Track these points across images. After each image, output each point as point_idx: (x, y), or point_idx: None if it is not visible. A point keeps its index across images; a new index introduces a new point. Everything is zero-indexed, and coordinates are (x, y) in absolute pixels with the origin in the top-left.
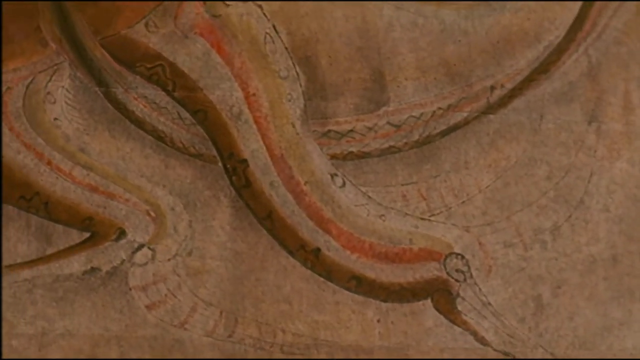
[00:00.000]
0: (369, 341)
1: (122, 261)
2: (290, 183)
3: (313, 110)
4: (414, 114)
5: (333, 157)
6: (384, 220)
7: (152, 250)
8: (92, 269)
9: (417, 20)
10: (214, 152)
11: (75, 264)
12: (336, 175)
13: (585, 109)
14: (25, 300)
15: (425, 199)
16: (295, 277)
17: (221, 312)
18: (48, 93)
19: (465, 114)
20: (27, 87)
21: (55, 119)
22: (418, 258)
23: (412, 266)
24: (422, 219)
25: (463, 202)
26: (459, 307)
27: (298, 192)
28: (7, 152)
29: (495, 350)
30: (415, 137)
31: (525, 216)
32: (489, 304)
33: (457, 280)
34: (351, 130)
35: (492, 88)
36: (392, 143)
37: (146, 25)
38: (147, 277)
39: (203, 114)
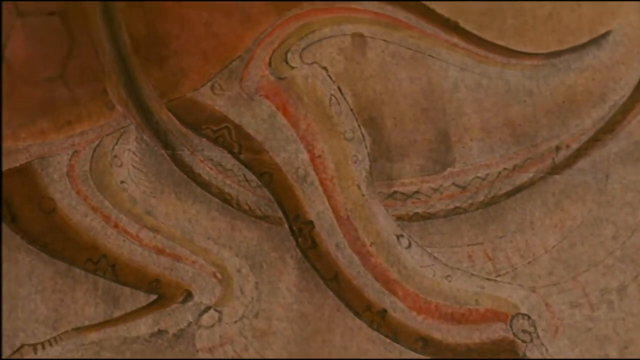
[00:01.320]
0: None
1: (189, 323)
2: (356, 244)
3: (379, 172)
4: (479, 174)
5: (399, 218)
6: (450, 281)
7: (219, 312)
8: (159, 331)
9: (482, 81)
10: (280, 214)
11: (143, 327)
12: (402, 236)
13: None
14: None
15: (491, 260)
16: (362, 339)
17: None
18: (115, 156)
19: (530, 175)
20: (94, 150)
21: (122, 181)
22: (484, 319)
23: (479, 327)
24: (488, 279)
25: (529, 262)
26: None
27: (364, 254)
28: (75, 215)
29: None
30: (481, 197)
31: (592, 276)
32: None
33: (523, 341)
34: (417, 192)
35: (558, 148)
36: (457, 204)
37: (212, 87)
38: (214, 339)
39: (269, 176)
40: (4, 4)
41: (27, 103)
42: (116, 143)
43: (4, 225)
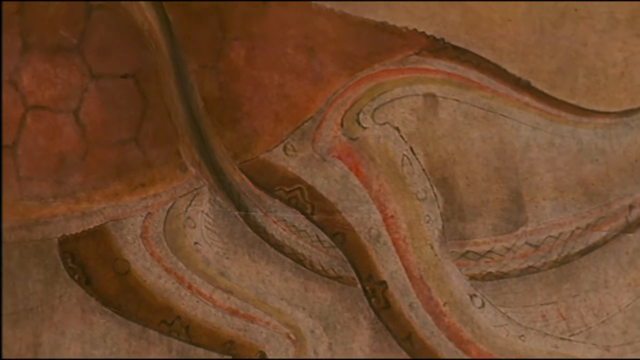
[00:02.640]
0: None
1: None
2: (429, 304)
3: (451, 232)
4: (552, 233)
5: (472, 277)
6: (523, 341)
7: None
8: None
9: (554, 140)
10: (353, 274)
11: None
12: (475, 296)
13: None
14: None
15: (564, 319)
16: None
17: None
18: (188, 217)
19: (604, 233)
20: (168, 212)
21: (196, 243)
22: None
23: None
24: (562, 338)
25: (603, 321)
26: None
27: (437, 313)
28: (149, 277)
29: None
30: (554, 256)
31: None
32: None
33: None
34: (490, 251)
35: (631, 207)
36: (530, 263)
37: (284, 149)
38: None
39: (342, 237)
40: (79, 65)
41: (100, 165)
42: (189, 205)
43: (79, 287)
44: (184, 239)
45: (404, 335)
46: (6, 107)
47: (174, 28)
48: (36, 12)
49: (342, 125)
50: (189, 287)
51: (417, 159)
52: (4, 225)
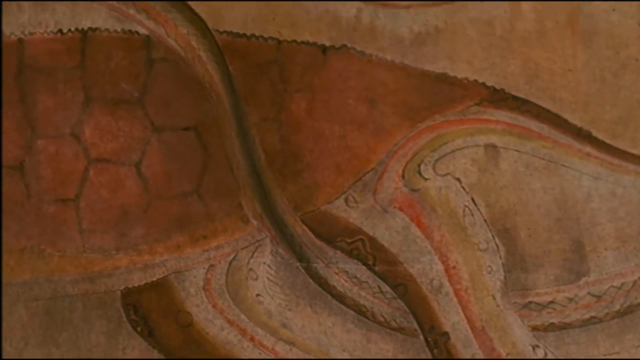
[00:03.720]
0: None
1: None
2: (491, 355)
3: (513, 282)
4: (614, 284)
5: (534, 328)
6: None
7: None
8: None
9: (615, 190)
10: (415, 326)
11: None
12: (538, 346)
13: None
14: None
15: None
16: None
17: None
18: (250, 269)
19: None
20: (230, 263)
21: (258, 295)
22: None
23: None
24: None
25: None
26: None
27: None
28: (211, 329)
29: None
30: (617, 307)
31: None
32: None
33: None
34: (552, 302)
35: None
36: (593, 313)
37: (346, 200)
38: None
39: (404, 288)
40: (140, 117)
41: (163, 218)
42: (251, 256)
43: (141, 340)
44: (246, 291)
45: None
46: (69, 160)
47: (235, 80)
48: (98, 65)
49: (403, 176)
50: (252, 339)
51: (478, 209)
52: (67, 277)
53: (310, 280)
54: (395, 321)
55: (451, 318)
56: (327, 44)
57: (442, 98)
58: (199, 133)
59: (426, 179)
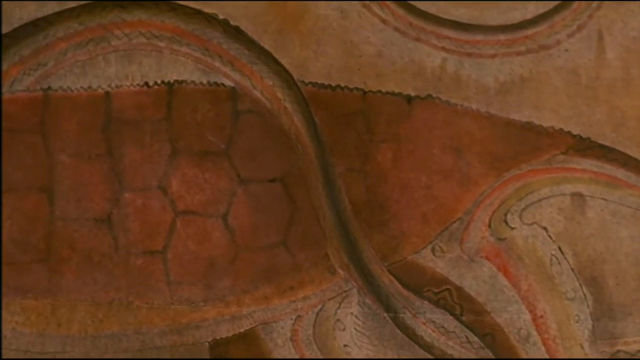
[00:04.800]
0: None
1: None
2: None
3: (601, 331)
4: None
5: None
6: None
7: None
8: None
9: None
10: None
11: None
12: None
13: None
14: None
15: None
16: None
17: None
18: (338, 320)
19: None
20: (317, 314)
21: (346, 345)
22: None
23: None
24: None
25: None
26: None
27: None
28: None
29: None
30: None
31: None
32: None
33: None
34: None
35: None
36: None
37: (433, 250)
38: None
39: (491, 338)
40: (227, 169)
41: (250, 269)
42: (339, 307)
43: None
44: (334, 342)
45: None
46: (156, 213)
47: (321, 131)
48: (184, 118)
49: (490, 226)
50: None
51: (565, 258)
52: (155, 330)
53: (398, 331)
54: None
55: None
56: (413, 94)
57: (528, 147)
58: (286, 185)
59: (513, 229)
